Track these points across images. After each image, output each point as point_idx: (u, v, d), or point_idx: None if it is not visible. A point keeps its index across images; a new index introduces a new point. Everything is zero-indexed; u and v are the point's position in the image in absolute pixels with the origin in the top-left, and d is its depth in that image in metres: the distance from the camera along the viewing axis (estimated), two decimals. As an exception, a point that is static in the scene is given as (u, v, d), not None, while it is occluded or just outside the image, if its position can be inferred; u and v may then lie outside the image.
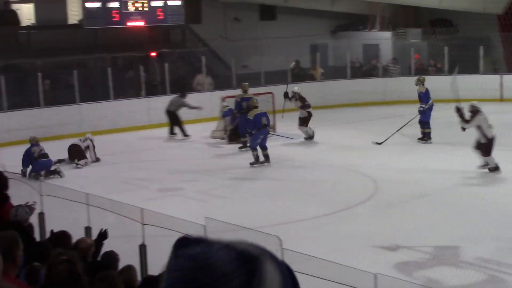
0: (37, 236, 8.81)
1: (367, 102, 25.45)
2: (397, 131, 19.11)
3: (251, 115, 17.76)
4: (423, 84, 19.40)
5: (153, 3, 25.05)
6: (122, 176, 16.56)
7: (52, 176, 16.33)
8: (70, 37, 25.56)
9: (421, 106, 19.12)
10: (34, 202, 8.84)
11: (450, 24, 29.56)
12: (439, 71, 26.74)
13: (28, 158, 16.64)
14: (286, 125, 20.41)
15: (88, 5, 24.45)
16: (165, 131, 21.70)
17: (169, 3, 25.27)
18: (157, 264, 8.80)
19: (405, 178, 15.35)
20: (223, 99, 21.13)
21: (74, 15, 27.30)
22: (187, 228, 8.79)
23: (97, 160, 18.19)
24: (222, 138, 20.22)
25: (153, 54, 26.26)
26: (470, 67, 25.88)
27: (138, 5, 24.82)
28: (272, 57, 23.71)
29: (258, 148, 17.19)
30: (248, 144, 18.15)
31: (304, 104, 19.81)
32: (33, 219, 8.52)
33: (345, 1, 30.11)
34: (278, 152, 18.93)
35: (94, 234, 9.54)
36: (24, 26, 26.61)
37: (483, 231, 11.59)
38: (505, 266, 10.24)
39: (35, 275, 5.78)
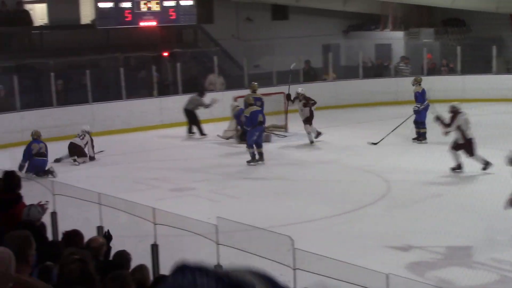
0: (49, 235, 8.84)
1: (379, 102, 25.41)
2: (392, 131, 19.16)
3: (247, 112, 17.93)
4: (419, 84, 19.58)
5: (166, 3, 25.07)
6: (134, 176, 16.60)
7: (45, 176, 16.20)
8: (82, 37, 25.62)
9: (416, 106, 19.29)
10: (47, 201, 8.86)
11: (462, 24, 29.48)
12: (451, 71, 26.67)
13: (28, 153, 16.74)
14: (297, 125, 20.34)
15: (101, 5, 24.50)
16: (177, 130, 21.75)
17: (181, 3, 25.28)
18: (169, 264, 8.82)
19: (417, 178, 15.31)
20: (235, 99, 21.14)
21: (86, 15, 27.36)
22: (198, 228, 8.82)
23: (93, 158, 18.34)
24: (233, 138, 20.25)
25: (165, 54, 26.29)
26: (483, 67, 25.83)
27: (151, 5, 24.86)
28: (284, 57, 23.66)
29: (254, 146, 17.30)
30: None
31: (308, 102, 19.67)
32: (46, 219, 8.54)
33: (357, 1, 30.05)
34: (289, 152, 18.94)
35: (107, 234, 9.58)
36: (37, 26, 26.69)
37: (495, 231, 11.55)
38: (518, 267, 10.21)
39: (47, 274, 5.80)
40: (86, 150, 18.23)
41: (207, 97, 21.78)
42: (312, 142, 19.30)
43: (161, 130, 22.43)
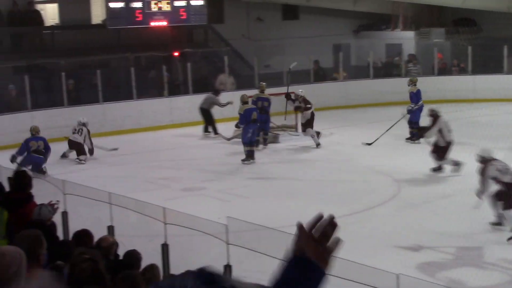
0: (60, 234, 8.87)
1: (389, 102, 25.36)
2: (386, 131, 19.15)
3: (241, 110, 18.09)
4: (415, 85, 19.88)
5: (176, 3, 25.09)
6: (145, 176, 16.63)
7: (40, 174, 16.23)
8: (93, 37, 25.68)
9: (410, 106, 19.52)
10: (58, 201, 8.89)
11: (473, 24, 29.36)
12: (462, 71, 26.60)
13: (25, 148, 16.81)
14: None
15: (112, 5, 24.54)
16: (187, 130, 21.80)
17: (192, 3, 25.30)
18: (179, 263, 8.85)
19: (427, 178, 15.29)
20: (245, 98, 21.14)
21: (97, 15, 27.44)
22: (208, 228, 8.83)
23: (91, 151, 18.53)
24: (237, 138, 20.27)
25: (176, 54, 26.32)
26: (494, 67, 25.74)
27: (161, 5, 24.89)
28: (295, 57, 23.64)
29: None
30: (242, 140, 18.23)
31: (305, 106, 19.60)
32: (56, 218, 8.57)
33: (368, 1, 30.00)
34: (299, 152, 18.94)
35: (117, 233, 9.62)
36: (48, 26, 26.78)
37: (506, 232, 11.51)
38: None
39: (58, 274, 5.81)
40: (85, 143, 18.39)
41: (223, 97, 21.85)
42: (318, 144, 19.18)
43: (172, 130, 22.46)
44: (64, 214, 10.20)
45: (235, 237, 8.25)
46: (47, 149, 17.00)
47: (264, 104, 19.57)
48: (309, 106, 19.44)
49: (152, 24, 25.02)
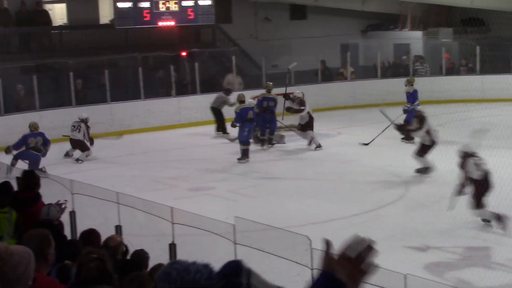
0: (68, 234, 8.88)
1: (397, 102, 25.29)
2: (382, 131, 19.09)
3: (237, 109, 18.30)
4: (412, 85, 20.15)
5: (184, 3, 25.10)
6: (153, 175, 16.64)
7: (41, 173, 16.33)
8: (101, 37, 25.74)
9: (406, 106, 19.72)
10: (65, 200, 8.90)
11: (482, 24, 29.27)
12: (470, 71, 26.54)
13: (23, 143, 16.85)
14: (317, 124, 20.28)
15: (120, 5, 24.57)
16: (195, 130, 21.84)
17: (200, 3, 25.32)
18: (186, 263, 8.84)
19: (435, 179, 15.25)
20: (253, 98, 21.13)
21: (105, 15, 27.49)
22: (216, 227, 8.82)
23: (91, 143, 18.65)
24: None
25: (184, 53, 26.34)
26: (502, 67, 25.67)
27: (169, 5, 24.90)
28: (302, 57, 23.66)
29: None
30: (237, 139, 18.28)
31: (297, 108, 19.47)
32: (64, 218, 8.58)
33: (376, 1, 29.97)
34: (306, 151, 18.92)
35: (125, 233, 9.62)
36: (56, 26, 26.85)
37: (507, 232, 11.47)
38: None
39: (66, 273, 5.82)
40: (85, 139, 18.45)
41: (233, 96, 21.87)
42: (319, 145, 19.09)
43: (179, 130, 22.49)
44: (72, 214, 10.21)
45: (243, 237, 8.24)
46: (46, 143, 17.09)
47: (270, 104, 19.57)
48: (302, 108, 19.37)
49: (160, 24, 25.05)
